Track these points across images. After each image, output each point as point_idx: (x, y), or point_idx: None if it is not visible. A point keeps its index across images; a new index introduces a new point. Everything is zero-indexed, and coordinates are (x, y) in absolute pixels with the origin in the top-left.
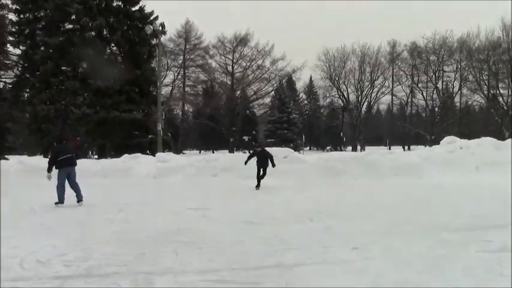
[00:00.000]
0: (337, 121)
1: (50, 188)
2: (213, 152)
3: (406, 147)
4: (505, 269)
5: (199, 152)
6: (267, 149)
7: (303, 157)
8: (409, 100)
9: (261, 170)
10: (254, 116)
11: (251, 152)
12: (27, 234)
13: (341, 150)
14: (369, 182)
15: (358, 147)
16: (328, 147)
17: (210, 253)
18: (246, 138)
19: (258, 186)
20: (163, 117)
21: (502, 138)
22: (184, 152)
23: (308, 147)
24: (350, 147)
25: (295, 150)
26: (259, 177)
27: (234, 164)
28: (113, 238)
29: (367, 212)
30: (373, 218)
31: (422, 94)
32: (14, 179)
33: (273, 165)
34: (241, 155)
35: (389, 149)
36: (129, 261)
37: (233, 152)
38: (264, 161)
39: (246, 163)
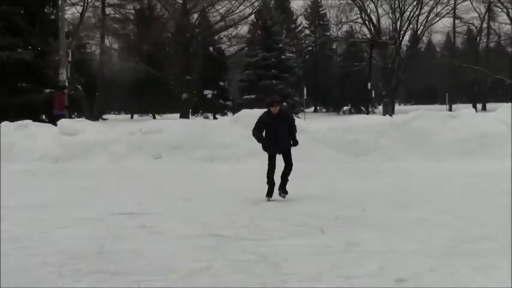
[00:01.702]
0: (360, 64)
1: None
2: (155, 117)
3: (479, 106)
4: None
5: (131, 117)
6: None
7: (305, 124)
8: (484, 25)
9: (279, 153)
10: (222, 57)
11: (260, 118)
12: None
13: (368, 112)
14: (417, 165)
15: (396, 107)
16: (345, 108)
17: None
18: (209, 93)
19: (270, 193)
20: (70, 58)
21: None
22: (105, 117)
23: (312, 108)
24: (380, 108)
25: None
26: (282, 174)
27: (190, 137)
28: None
29: (416, 217)
30: (426, 226)
31: (508, 14)
32: None
33: (295, 143)
34: (201, 122)
35: (450, 109)
36: None
37: (188, 117)
38: (282, 134)
39: (259, 140)
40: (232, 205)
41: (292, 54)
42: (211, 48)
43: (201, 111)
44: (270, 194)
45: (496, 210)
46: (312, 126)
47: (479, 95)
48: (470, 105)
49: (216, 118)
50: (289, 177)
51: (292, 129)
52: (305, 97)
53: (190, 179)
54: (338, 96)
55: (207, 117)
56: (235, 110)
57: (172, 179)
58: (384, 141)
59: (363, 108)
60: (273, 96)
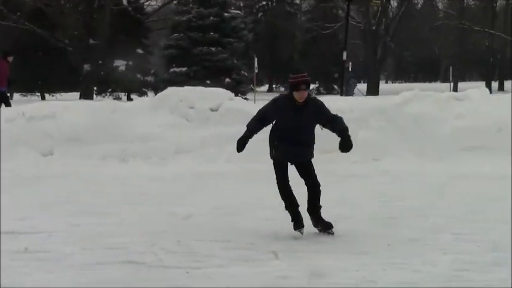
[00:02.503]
0: (333, 25)
1: None
2: (44, 98)
3: (495, 85)
4: None
5: (10, 97)
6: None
7: (255, 109)
8: None
9: (293, 162)
10: (140, 14)
11: (272, 101)
12: None
13: (342, 92)
14: (409, 166)
15: (383, 85)
16: (311, 87)
17: None
18: (121, 65)
19: (298, 219)
20: None
21: None
22: None
23: (266, 86)
24: (364, 85)
25: (237, 94)
26: (310, 205)
27: (94, 126)
28: None
29: (405, 237)
30: (419, 249)
31: None
32: None
33: (348, 143)
34: (110, 105)
35: (456, 88)
36: None
37: (91, 98)
38: (307, 138)
39: (242, 143)
40: (153, 221)
41: (239, 12)
42: (124, 1)
43: (110, 90)
44: (298, 220)
45: None
46: None
47: (496, 69)
48: (482, 84)
49: (132, 99)
50: (315, 210)
51: (329, 117)
52: (256, 71)
53: (94, 185)
54: (302, 71)
55: (118, 98)
56: (158, 88)
57: (68, 184)
58: (364, 133)
59: (336, 87)
60: (299, 74)
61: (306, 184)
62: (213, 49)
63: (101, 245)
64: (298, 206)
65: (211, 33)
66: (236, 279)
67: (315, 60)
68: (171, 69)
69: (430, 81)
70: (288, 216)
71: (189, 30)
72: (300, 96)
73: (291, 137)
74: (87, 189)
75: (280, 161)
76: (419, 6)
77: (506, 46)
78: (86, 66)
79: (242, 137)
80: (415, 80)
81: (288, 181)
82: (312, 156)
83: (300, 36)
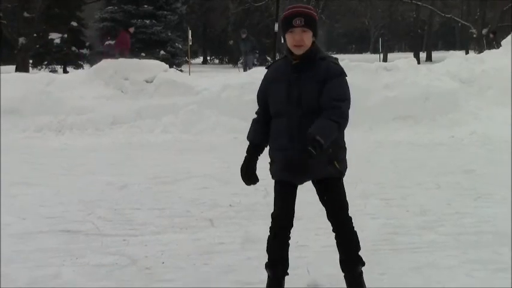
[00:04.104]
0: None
1: None
2: None
3: (423, 55)
4: None
5: None
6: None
7: (189, 80)
8: None
9: (299, 180)
10: None
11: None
12: None
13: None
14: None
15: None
16: (244, 58)
17: None
18: (56, 37)
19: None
20: None
21: None
22: None
23: (201, 58)
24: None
25: (172, 66)
26: (341, 251)
27: (29, 98)
28: None
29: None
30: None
31: None
32: None
33: (314, 138)
34: (46, 78)
35: (385, 59)
36: None
37: (27, 70)
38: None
39: (247, 170)
40: (90, 191)
41: None
42: None
43: (45, 63)
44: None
45: (440, 192)
46: (199, 83)
47: (423, 41)
48: (411, 54)
49: (67, 72)
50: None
51: (326, 100)
52: (190, 43)
53: (30, 157)
54: (235, 43)
55: (54, 71)
56: (93, 60)
57: (5, 156)
58: None
59: (269, 58)
60: (296, 5)
61: (329, 218)
62: (148, 22)
63: (39, 214)
64: (284, 270)
65: (145, 6)
66: (172, 245)
67: (248, 33)
68: (106, 42)
69: (360, 52)
70: (222, 185)
71: (123, 3)
72: (294, 39)
73: (285, 127)
74: (24, 160)
75: (278, 181)
76: None
77: (433, 18)
78: (21, 40)
79: (244, 161)
80: (345, 51)
81: (287, 220)
82: (335, 169)
83: (233, 9)
